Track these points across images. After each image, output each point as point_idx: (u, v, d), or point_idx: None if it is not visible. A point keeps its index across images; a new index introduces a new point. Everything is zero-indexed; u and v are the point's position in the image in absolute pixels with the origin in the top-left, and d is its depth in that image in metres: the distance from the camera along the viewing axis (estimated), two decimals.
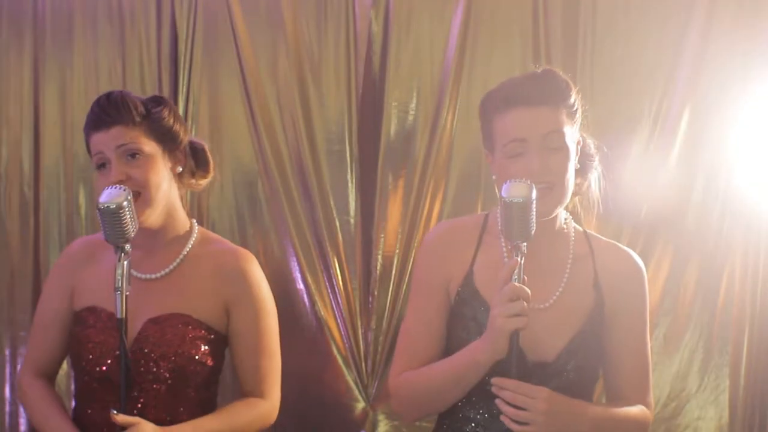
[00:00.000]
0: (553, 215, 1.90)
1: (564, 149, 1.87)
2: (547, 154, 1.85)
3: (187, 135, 2.15)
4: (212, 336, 2.06)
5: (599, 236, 2.03)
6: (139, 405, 1.99)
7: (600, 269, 1.96)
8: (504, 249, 1.95)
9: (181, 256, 2.09)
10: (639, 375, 1.96)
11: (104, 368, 2.02)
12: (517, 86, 1.91)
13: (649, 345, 2.00)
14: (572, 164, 1.89)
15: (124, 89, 2.12)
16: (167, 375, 2.00)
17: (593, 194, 2.04)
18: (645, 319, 1.98)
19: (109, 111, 2.03)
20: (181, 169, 2.11)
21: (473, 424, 1.91)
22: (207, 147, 2.21)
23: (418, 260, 2.03)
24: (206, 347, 2.04)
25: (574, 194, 2.02)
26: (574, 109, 1.91)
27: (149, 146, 2.04)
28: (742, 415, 2.65)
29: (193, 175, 2.17)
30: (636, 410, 1.92)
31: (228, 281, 2.07)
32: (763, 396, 2.67)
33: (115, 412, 1.88)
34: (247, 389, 2.12)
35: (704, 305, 2.67)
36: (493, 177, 1.95)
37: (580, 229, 2.02)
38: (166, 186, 2.06)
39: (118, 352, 1.98)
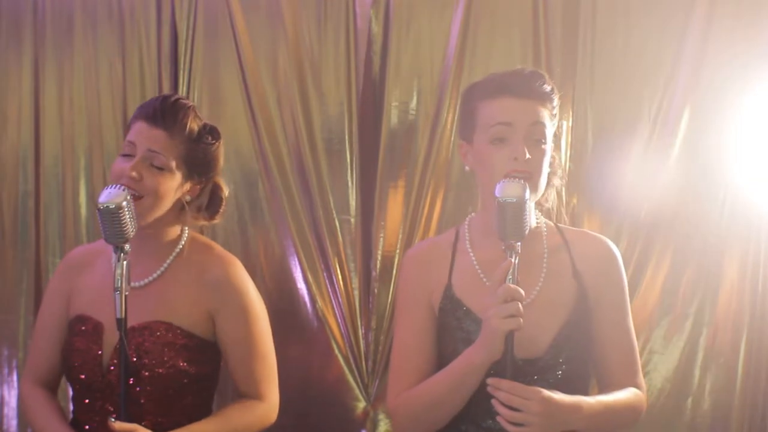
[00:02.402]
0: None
1: (545, 144, 1.93)
2: (531, 145, 1.90)
3: (217, 176, 2.15)
4: (194, 343, 2.04)
5: (570, 227, 2.08)
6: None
7: (576, 257, 1.98)
8: (473, 257, 1.97)
9: (166, 264, 2.08)
10: (627, 358, 1.98)
11: (83, 376, 2.01)
12: (507, 78, 1.96)
13: (632, 327, 2.02)
14: (547, 162, 1.95)
15: (178, 99, 2.11)
16: (148, 383, 1.99)
17: (551, 203, 2.10)
18: (626, 301, 2.01)
19: (165, 112, 2.03)
20: (189, 198, 2.10)
21: (475, 426, 1.91)
22: (226, 196, 2.20)
23: (400, 282, 2.07)
24: (187, 354, 2.02)
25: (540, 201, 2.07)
26: (554, 113, 1.98)
27: (177, 166, 2.03)
28: (741, 414, 2.65)
29: (198, 210, 2.15)
30: (630, 395, 1.94)
31: (210, 289, 2.06)
32: (764, 396, 2.67)
33: (113, 419, 1.87)
34: (243, 391, 2.11)
35: (704, 305, 2.67)
36: (466, 168, 1.98)
37: (551, 223, 2.04)
38: (167, 203, 2.05)
39: (99, 361, 1.99)
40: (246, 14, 2.81)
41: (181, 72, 2.83)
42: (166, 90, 2.82)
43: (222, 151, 2.16)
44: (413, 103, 2.76)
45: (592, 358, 1.98)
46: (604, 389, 1.97)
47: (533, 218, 2.00)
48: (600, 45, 2.68)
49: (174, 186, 2.04)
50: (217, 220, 2.21)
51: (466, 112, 2.00)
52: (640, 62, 2.67)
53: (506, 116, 1.90)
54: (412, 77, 2.75)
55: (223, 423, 2.05)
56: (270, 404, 2.11)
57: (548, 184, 2.05)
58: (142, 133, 2.02)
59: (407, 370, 1.95)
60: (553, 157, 2.05)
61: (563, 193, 2.12)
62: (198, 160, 2.08)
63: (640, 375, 2.00)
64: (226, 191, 2.21)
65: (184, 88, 2.83)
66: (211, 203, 2.18)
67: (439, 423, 1.93)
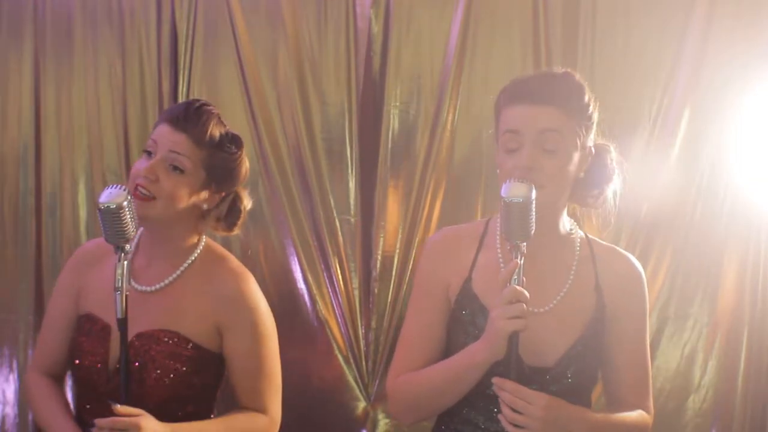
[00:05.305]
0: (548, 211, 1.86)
1: (560, 152, 1.82)
2: (541, 154, 1.81)
3: (238, 186, 2.10)
4: (200, 354, 2.01)
5: (599, 240, 2.01)
6: None
7: (601, 272, 1.94)
8: (500, 253, 1.94)
9: (178, 271, 2.04)
10: (639, 379, 1.95)
11: (86, 377, 2.01)
12: (526, 83, 1.87)
13: (648, 349, 1.98)
14: (569, 170, 1.84)
15: (205, 107, 2.03)
16: (152, 391, 1.95)
17: (608, 207, 1.97)
18: (645, 322, 1.97)
19: (188, 116, 1.99)
20: (206, 207, 2.05)
21: (472, 426, 1.91)
22: (247, 208, 2.14)
23: (419, 265, 2.03)
24: (193, 364, 1.99)
25: (589, 206, 1.98)
26: (587, 114, 1.86)
27: (196, 170, 1.99)
28: (742, 414, 2.66)
29: (217, 220, 2.10)
30: (635, 416, 1.91)
31: (221, 303, 2.02)
32: (764, 395, 2.67)
33: (118, 405, 1.85)
34: (244, 404, 2.06)
35: (704, 305, 2.67)
36: (498, 171, 1.94)
37: (583, 234, 2.00)
38: (179, 208, 1.99)
39: (105, 365, 1.98)
40: (246, 14, 2.81)
41: (181, 72, 2.83)
42: (166, 90, 2.82)
43: (245, 163, 2.09)
44: (413, 103, 2.76)
45: (604, 375, 1.95)
46: (612, 407, 1.95)
47: (567, 225, 1.96)
48: (600, 45, 2.69)
49: (189, 191, 2.00)
50: (236, 232, 2.17)
51: (495, 119, 1.92)
52: (640, 62, 2.67)
53: (514, 124, 1.82)
54: (412, 77, 2.75)
55: (227, 426, 2.03)
56: (272, 418, 2.06)
57: (597, 186, 1.93)
58: (165, 135, 1.99)
59: (412, 354, 1.94)
60: (606, 158, 1.93)
61: (616, 198, 1.96)
62: (218, 167, 2.02)
63: (650, 398, 1.96)
64: (247, 203, 2.14)
65: (184, 88, 2.83)
66: (230, 214, 2.12)
67: (433, 412, 1.93)
